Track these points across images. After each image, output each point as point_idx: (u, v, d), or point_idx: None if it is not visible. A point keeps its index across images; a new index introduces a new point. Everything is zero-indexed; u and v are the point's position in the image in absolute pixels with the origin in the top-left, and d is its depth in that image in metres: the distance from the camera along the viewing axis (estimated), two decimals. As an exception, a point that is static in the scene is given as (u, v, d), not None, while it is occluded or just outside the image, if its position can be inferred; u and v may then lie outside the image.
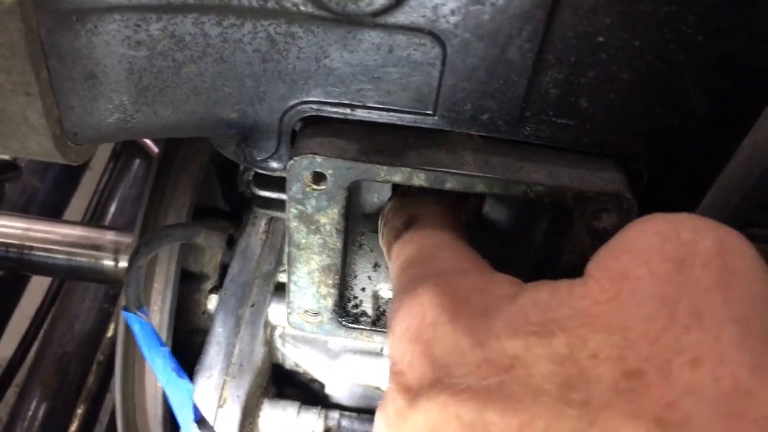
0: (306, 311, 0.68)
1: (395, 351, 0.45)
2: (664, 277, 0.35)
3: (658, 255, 0.36)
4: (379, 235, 0.64)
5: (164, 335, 0.86)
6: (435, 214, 0.59)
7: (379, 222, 0.65)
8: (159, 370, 0.65)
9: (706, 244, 0.36)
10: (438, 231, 0.56)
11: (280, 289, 1.03)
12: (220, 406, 0.90)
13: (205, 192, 1.03)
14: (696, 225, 0.37)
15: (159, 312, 0.87)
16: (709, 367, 0.32)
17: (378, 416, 0.45)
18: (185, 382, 0.65)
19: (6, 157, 1.68)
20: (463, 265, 0.49)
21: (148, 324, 0.63)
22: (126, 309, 0.63)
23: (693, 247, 0.36)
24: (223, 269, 1.05)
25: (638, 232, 0.38)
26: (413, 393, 0.41)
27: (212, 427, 0.71)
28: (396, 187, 0.71)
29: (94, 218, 1.94)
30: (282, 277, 1.04)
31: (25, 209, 1.85)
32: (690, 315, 0.34)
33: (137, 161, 2.03)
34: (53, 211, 1.93)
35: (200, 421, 0.70)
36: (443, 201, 0.62)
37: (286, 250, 0.63)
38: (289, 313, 0.68)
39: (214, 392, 0.90)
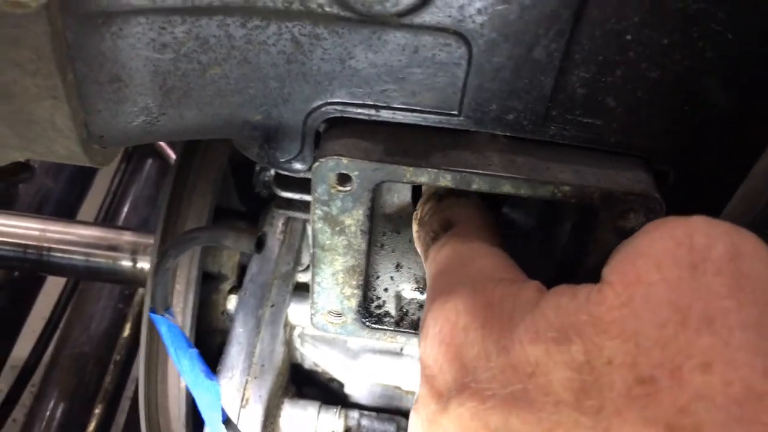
0: (330, 312, 0.68)
1: (426, 354, 0.46)
2: (676, 283, 0.35)
3: (670, 260, 0.36)
4: (414, 236, 0.64)
5: (186, 336, 0.87)
6: (472, 218, 0.59)
7: (413, 223, 0.65)
8: (186, 372, 0.65)
9: (720, 248, 0.36)
10: (474, 236, 0.56)
11: (299, 289, 1.03)
12: (242, 406, 0.90)
13: (222, 193, 1.03)
14: (710, 229, 0.37)
15: (181, 314, 0.87)
16: (719, 371, 0.32)
17: (413, 418, 0.46)
18: (213, 383, 0.65)
19: (20, 158, 1.69)
20: (497, 273, 0.49)
21: (175, 326, 0.63)
22: (153, 311, 0.63)
23: (706, 253, 0.36)
24: (242, 269, 1.05)
25: (652, 236, 0.38)
26: (444, 398, 0.42)
27: (237, 428, 0.72)
28: (417, 188, 0.71)
29: (107, 218, 1.95)
30: (300, 277, 1.04)
31: (39, 210, 1.86)
32: (701, 320, 0.34)
33: (150, 161, 2.04)
34: (67, 211, 1.94)
35: (227, 421, 0.71)
36: (480, 203, 0.62)
37: (310, 251, 0.63)
38: (312, 314, 0.68)
39: (237, 392, 0.90)
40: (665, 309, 0.35)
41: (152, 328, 0.88)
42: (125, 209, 1.97)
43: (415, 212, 0.65)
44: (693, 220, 0.38)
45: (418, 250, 0.63)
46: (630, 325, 0.35)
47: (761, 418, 0.31)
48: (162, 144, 2.00)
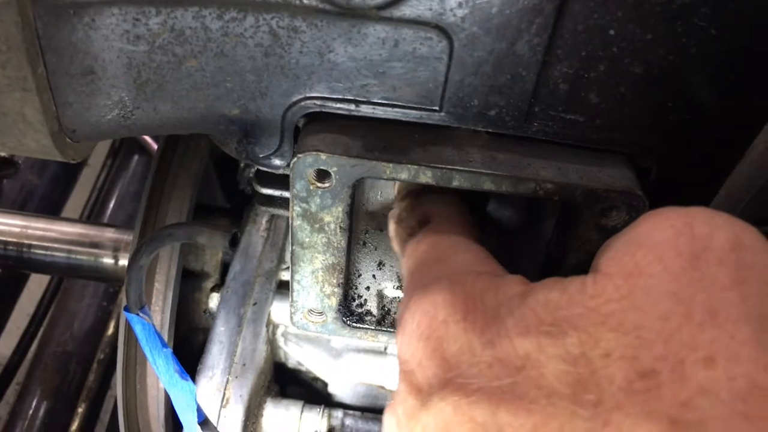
0: (310, 311, 0.67)
1: (404, 349, 0.45)
2: (678, 274, 0.34)
3: (671, 250, 0.35)
4: (390, 233, 0.63)
5: (165, 336, 0.85)
6: (449, 214, 0.59)
7: (389, 220, 0.64)
8: (161, 372, 0.64)
9: (721, 238, 0.35)
10: (451, 231, 0.55)
11: (282, 287, 1.02)
12: (223, 405, 0.89)
13: (204, 189, 1.01)
14: (710, 219, 0.36)
15: (160, 312, 0.86)
16: (723, 365, 0.31)
17: (387, 416, 0.45)
18: (188, 383, 0.64)
19: (3, 153, 1.67)
20: (476, 266, 0.48)
21: (150, 325, 0.62)
22: (127, 309, 0.62)
23: (708, 242, 0.35)
24: (224, 267, 1.04)
25: (651, 226, 0.37)
26: (424, 393, 0.41)
27: (216, 428, 0.71)
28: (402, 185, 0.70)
29: (92, 215, 1.93)
30: (284, 275, 1.03)
31: (23, 206, 1.84)
32: (705, 312, 0.33)
33: (136, 157, 2.02)
34: (52, 208, 1.92)
35: (204, 422, 0.69)
36: (457, 200, 0.61)
37: (289, 248, 0.62)
38: (292, 313, 0.67)
39: (217, 392, 0.89)
40: (668, 301, 0.34)
41: (130, 327, 0.87)
42: (111, 206, 1.95)
43: (392, 210, 0.65)
44: (692, 210, 0.37)
45: (395, 247, 0.63)
46: (630, 318, 0.34)
47: (766, 413, 0.30)
48: (148, 140, 1.98)
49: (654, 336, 0.33)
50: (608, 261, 0.37)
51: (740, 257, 0.34)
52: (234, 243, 0.54)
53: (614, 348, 0.34)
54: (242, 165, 1.10)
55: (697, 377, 0.31)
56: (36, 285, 1.79)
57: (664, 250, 0.35)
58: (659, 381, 0.32)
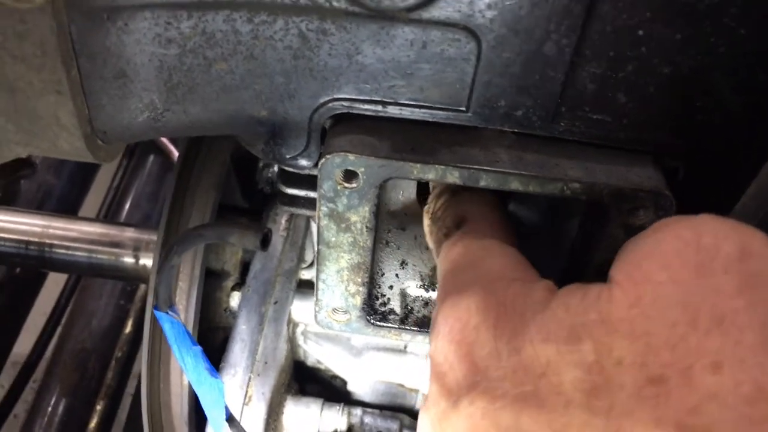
0: (334, 309, 0.67)
1: (437, 352, 0.46)
2: (684, 283, 0.35)
3: (678, 260, 0.36)
4: (425, 230, 0.64)
5: (189, 334, 0.86)
6: (485, 214, 0.59)
7: (424, 216, 0.64)
8: (190, 370, 0.64)
9: (728, 248, 0.35)
10: (487, 234, 0.56)
11: (302, 286, 1.02)
12: (245, 403, 0.90)
13: (224, 189, 1.02)
14: (717, 228, 0.37)
15: (184, 311, 0.87)
16: (729, 371, 0.32)
17: (423, 417, 0.46)
18: (218, 381, 0.65)
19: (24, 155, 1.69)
20: (510, 272, 0.49)
21: (179, 323, 0.63)
22: (156, 308, 0.63)
23: (714, 252, 0.36)
24: (245, 266, 1.04)
25: (658, 236, 0.38)
26: (454, 395, 0.42)
27: (240, 425, 0.71)
28: (422, 185, 0.70)
29: (109, 215, 1.94)
30: (304, 274, 1.04)
31: (41, 206, 1.85)
32: (711, 320, 0.34)
33: (152, 157, 2.03)
34: (69, 208, 1.93)
35: (230, 419, 0.70)
36: (495, 200, 0.61)
37: (315, 248, 0.63)
38: (317, 311, 0.68)
39: (240, 390, 0.90)
40: (675, 309, 0.35)
41: (155, 326, 0.87)
42: (127, 206, 1.96)
43: (426, 206, 0.65)
44: (700, 219, 0.38)
45: (430, 245, 0.63)
46: (639, 325, 0.35)
47: None
48: (164, 140, 1.99)
49: (662, 343, 0.34)
50: (618, 269, 0.39)
51: (747, 265, 0.35)
52: (265, 243, 0.55)
53: (625, 355, 0.35)
54: (261, 164, 1.10)
55: (705, 383, 0.32)
56: (54, 284, 1.81)
57: (671, 261, 0.36)
58: (668, 387, 0.33)
